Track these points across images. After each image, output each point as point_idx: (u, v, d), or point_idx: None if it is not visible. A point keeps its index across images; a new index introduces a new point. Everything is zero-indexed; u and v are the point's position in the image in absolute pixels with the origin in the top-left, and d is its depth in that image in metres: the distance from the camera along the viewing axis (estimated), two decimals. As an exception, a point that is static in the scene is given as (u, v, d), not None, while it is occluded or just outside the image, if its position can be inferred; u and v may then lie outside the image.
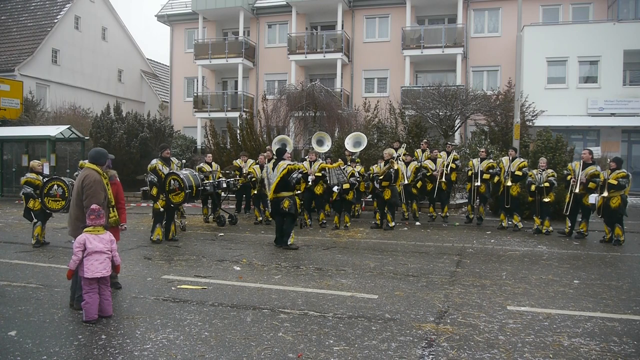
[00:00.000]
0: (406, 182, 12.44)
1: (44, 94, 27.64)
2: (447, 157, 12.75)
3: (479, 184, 11.86)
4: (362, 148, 13.54)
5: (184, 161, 11.82)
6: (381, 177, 11.25)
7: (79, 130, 20.23)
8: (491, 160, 12.21)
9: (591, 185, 10.11)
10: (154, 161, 9.89)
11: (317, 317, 5.23)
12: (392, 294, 6.12)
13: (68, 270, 5.21)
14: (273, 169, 9.21)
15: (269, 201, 9.47)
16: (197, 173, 10.00)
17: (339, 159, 12.68)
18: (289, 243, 9.14)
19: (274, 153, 13.57)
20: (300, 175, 9.17)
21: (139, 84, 35.48)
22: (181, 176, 9.51)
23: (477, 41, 24.86)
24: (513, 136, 14.82)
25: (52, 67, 28.40)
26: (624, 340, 4.62)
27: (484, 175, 11.82)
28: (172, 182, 9.52)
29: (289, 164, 9.14)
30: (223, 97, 27.92)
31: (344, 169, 11.79)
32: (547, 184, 10.85)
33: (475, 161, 12.23)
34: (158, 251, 8.93)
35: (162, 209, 9.70)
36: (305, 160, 12.31)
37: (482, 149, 12.68)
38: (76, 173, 9.56)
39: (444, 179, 12.36)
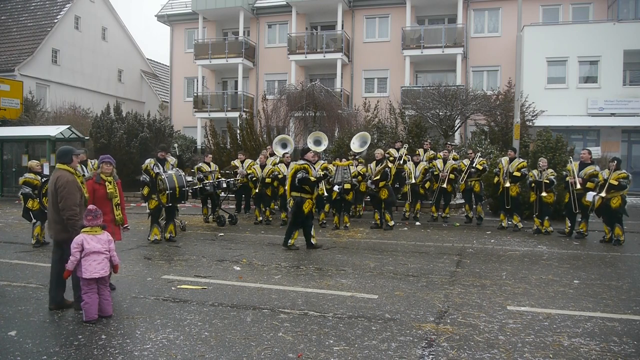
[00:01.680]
0: (414, 181, 12.49)
1: (44, 94, 27.63)
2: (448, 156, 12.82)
3: (473, 167, 12.00)
4: (366, 147, 13.54)
5: (175, 160, 11.80)
6: (377, 178, 11.24)
7: (79, 130, 20.22)
8: (482, 158, 12.34)
9: (589, 185, 10.11)
10: (147, 161, 9.88)
11: (317, 317, 5.23)
12: (392, 294, 6.12)
13: (66, 271, 5.20)
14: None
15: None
16: (182, 173, 9.94)
17: (349, 158, 12.72)
18: (288, 244, 9.09)
19: (274, 152, 13.66)
20: (302, 175, 8.90)
21: (139, 84, 35.47)
22: (163, 176, 9.50)
23: (477, 41, 24.85)
24: (513, 136, 14.82)
25: (52, 67, 28.39)
26: (624, 340, 4.62)
27: (477, 166, 11.99)
28: (159, 182, 9.55)
29: (296, 164, 9.08)
30: (223, 97, 27.91)
31: (348, 168, 11.78)
32: (547, 181, 10.84)
33: (466, 161, 12.42)
34: (158, 251, 8.93)
35: (149, 210, 9.82)
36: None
37: (470, 151, 12.86)
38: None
39: (447, 184, 12.40)
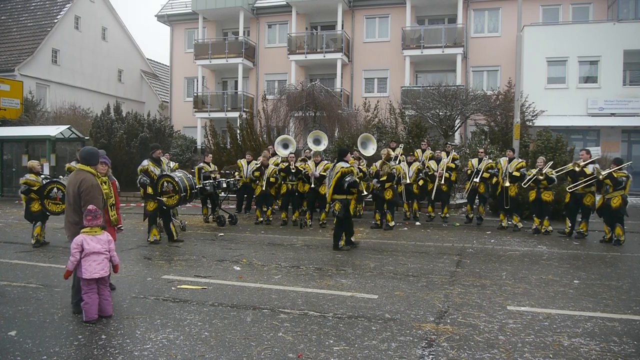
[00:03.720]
0: (408, 181, 12.46)
1: (44, 94, 27.63)
2: (447, 157, 12.76)
3: (477, 180, 11.91)
4: (370, 150, 13.21)
5: (174, 164, 11.78)
6: (384, 179, 11.22)
7: (79, 130, 20.22)
8: (490, 161, 12.25)
9: (586, 170, 10.09)
10: (144, 162, 9.70)
11: (317, 317, 5.23)
12: (392, 294, 6.12)
13: (65, 271, 5.20)
14: (332, 170, 9.17)
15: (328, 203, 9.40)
16: (190, 176, 9.87)
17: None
18: (339, 246, 9.02)
19: (275, 152, 13.65)
20: (352, 179, 8.85)
21: (139, 84, 35.48)
22: (176, 179, 9.37)
23: (477, 41, 24.86)
24: (513, 136, 14.81)
25: (52, 67, 28.39)
26: (624, 340, 4.62)
27: (484, 174, 11.86)
28: (165, 184, 9.44)
29: (343, 167, 8.93)
30: (223, 97, 27.92)
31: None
32: (540, 177, 10.79)
33: (474, 161, 12.31)
34: (158, 251, 8.93)
35: (147, 212, 9.72)
36: (308, 160, 12.24)
37: (481, 150, 12.75)
38: (63, 177, 9.51)
39: (442, 182, 12.36)
